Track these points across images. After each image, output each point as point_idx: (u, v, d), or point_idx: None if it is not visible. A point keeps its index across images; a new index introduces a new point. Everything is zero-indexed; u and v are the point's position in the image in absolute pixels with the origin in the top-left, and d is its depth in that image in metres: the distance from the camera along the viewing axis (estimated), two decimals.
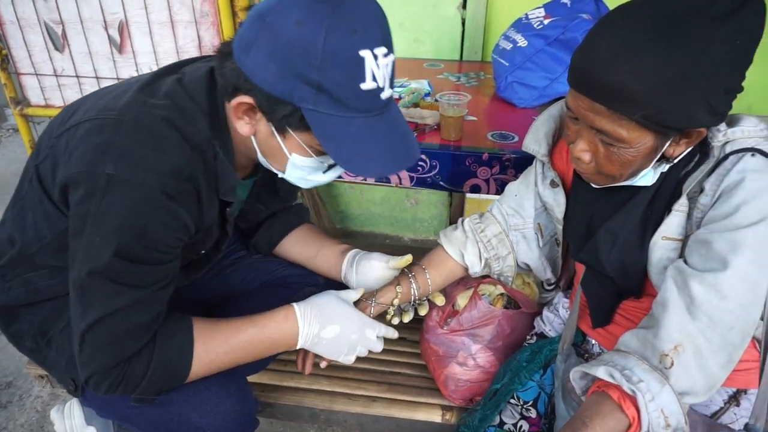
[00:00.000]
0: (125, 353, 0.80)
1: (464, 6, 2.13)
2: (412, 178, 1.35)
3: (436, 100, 1.56)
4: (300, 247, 1.21)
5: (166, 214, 0.78)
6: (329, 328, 0.93)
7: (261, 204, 1.16)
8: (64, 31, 2.22)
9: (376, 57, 0.72)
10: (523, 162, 1.28)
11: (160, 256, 0.80)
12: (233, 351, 0.89)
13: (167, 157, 0.77)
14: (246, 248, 1.26)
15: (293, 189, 1.21)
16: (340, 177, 0.96)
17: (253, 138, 0.84)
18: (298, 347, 0.94)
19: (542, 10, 1.67)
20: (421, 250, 1.24)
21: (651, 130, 0.73)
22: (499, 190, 1.33)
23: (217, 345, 0.87)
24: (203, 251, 0.99)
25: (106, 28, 2.06)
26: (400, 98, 1.60)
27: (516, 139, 1.36)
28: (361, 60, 0.71)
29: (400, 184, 1.36)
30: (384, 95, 0.76)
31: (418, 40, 2.22)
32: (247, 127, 0.82)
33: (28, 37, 2.33)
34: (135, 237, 0.75)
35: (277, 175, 0.92)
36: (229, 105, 0.81)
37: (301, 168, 0.85)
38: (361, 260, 1.11)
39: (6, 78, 2.17)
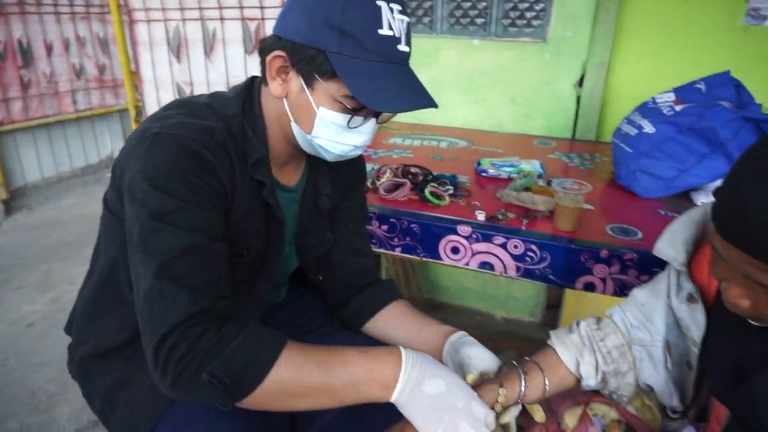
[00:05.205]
0: (189, 309, 0.75)
1: (581, 84, 2.05)
2: (518, 268, 1.25)
3: (549, 183, 1.47)
4: (397, 325, 1.09)
5: (204, 162, 0.82)
6: (434, 381, 0.79)
7: (325, 230, 1.11)
8: (192, 91, 2.43)
9: (391, 10, 0.80)
10: (647, 263, 1.14)
11: (201, 200, 0.82)
12: (325, 364, 0.78)
13: (203, 122, 0.86)
14: (332, 324, 1.19)
15: (361, 213, 1.19)
16: (367, 152, 0.93)
17: (285, 102, 0.89)
18: (392, 399, 0.80)
19: (672, 94, 1.54)
20: (513, 334, 1.10)
21: None
22: (617, 291, 1.19)
23: (311, 353, 0.79)
24: (248, 249, 0.95)
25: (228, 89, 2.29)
26: (510, 179, 1.52)
27: (639, 235, 1.22)
28: (378, 8, 0.79)
29: (505, 273, 1.27)
30: (401, 47, 0.83)
31: (529, 116, 2.16)
32: (280, 87, 0.88)
33: (161, 95, 2.58)
34: (178, 176, 0.80)
35: (331, 189, 1.05)
36: (267, 81, 0.90)
37: (328, 125, 0.87)
38: (465, 346, 0.97)
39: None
